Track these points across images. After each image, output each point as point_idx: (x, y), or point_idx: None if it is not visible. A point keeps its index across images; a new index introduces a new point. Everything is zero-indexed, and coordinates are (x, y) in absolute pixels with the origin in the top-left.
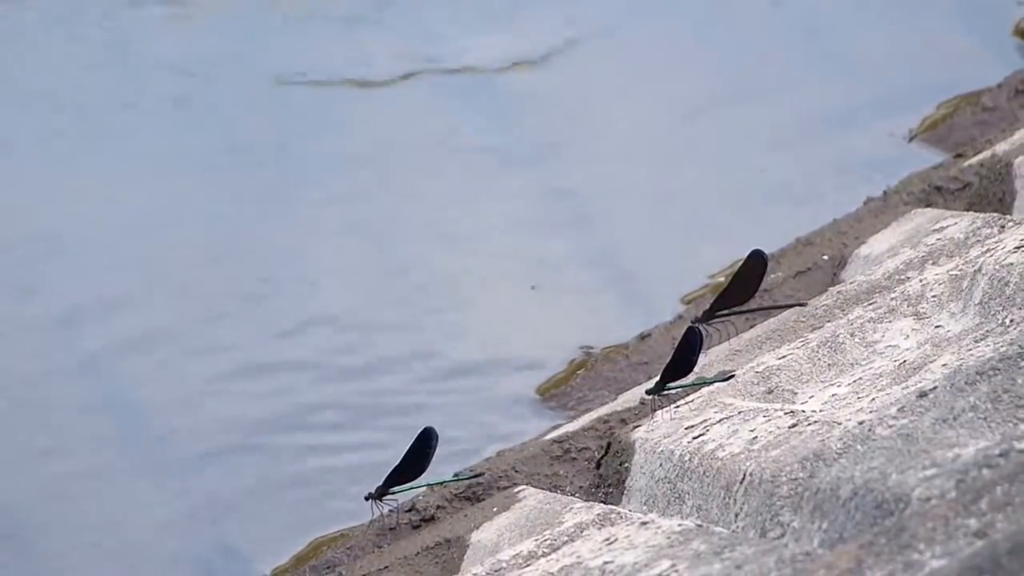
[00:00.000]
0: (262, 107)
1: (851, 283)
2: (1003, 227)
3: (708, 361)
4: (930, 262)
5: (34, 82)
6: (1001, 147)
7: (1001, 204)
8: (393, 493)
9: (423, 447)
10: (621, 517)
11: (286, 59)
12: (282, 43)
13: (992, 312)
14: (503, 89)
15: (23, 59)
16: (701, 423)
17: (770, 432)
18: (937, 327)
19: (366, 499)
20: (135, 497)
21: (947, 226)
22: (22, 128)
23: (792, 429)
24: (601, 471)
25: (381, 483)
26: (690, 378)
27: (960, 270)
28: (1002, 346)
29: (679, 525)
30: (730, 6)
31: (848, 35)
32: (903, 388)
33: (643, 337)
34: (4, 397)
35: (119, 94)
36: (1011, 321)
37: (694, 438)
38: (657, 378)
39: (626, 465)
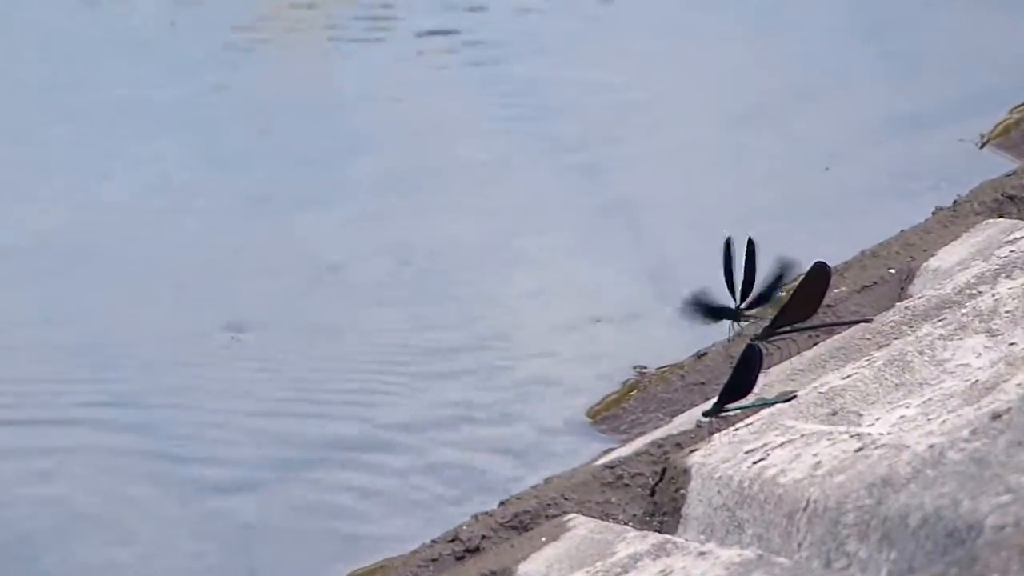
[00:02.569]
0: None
1: (919, 298)
2: None
3: (768, 381)
4: (1003, 275)
5: None
6: None
7: None
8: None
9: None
10: (677, 547)
11: None
12: None
13: None
14: (546, 97)
15: None
16: (761, 447)
17: (835, 456)
18: (1011, 344)
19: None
20: (162, 527)
21: (1021, 237)
22: None
23: (858, 453)
24: (656, 498)
25: (716, 401)
26: (749, 399)
27: None
28: None
29: (739, 555)
30: (788, 4)
31: (915, 34)
32: (975, 409)
33: (699, 356)
34: (20, 412)
35: None
36: None
37: (754, 463)
38: (714, 399)
39: (682, 492)
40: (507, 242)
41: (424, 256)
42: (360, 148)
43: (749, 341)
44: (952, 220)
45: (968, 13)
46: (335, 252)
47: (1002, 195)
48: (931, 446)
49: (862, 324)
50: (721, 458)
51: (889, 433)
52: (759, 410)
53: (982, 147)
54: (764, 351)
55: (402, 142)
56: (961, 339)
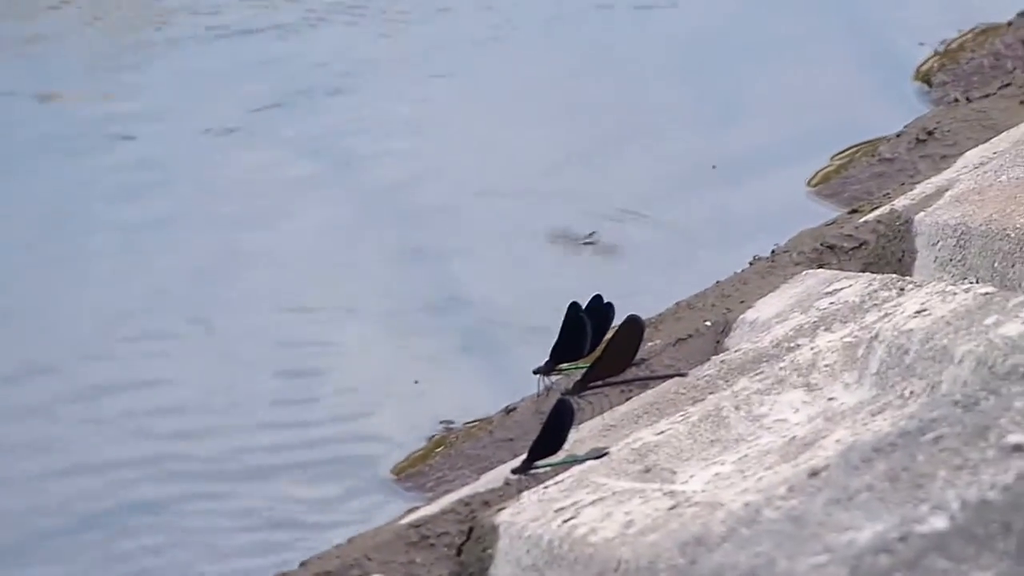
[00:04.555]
0: None
1: (736, 351)
2: (902, 290)
3: (579, 437)
4: (822, 328)
5: None
6: (900, 202)
7: (900, 264)
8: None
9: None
10: None
11: None
12: None
13: (890, 383)
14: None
15: None
16: (572, 505)
17: (647, 515)
18: (830, 399)
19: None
20: None
21: (841, 288)
22: None
23: (671, 511)
24: (462, 558)
25: (525, 458)
26: (560, 456)
27: (855, 337)
28: (901, 420)
29: None
30: (608, 45)
31: (733, 78)
32: (793, 466)
33: (508, 411)
34: None
35: None
36: (911, 393)
37: (564, 521)
38: (523, 456)
39: (489, 551)
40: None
41: None
42: None
43: (560, 396)
44: (770, 270)
45: (789, 59)
46: None
47: (822, 244)
48: (747, 504)
49: (676, 378)
50: (530, 517)
51: (704, 490)
52: (570, 467)
53: (802, 195)
54: (575, 406)
55: None
56: (779, 394)
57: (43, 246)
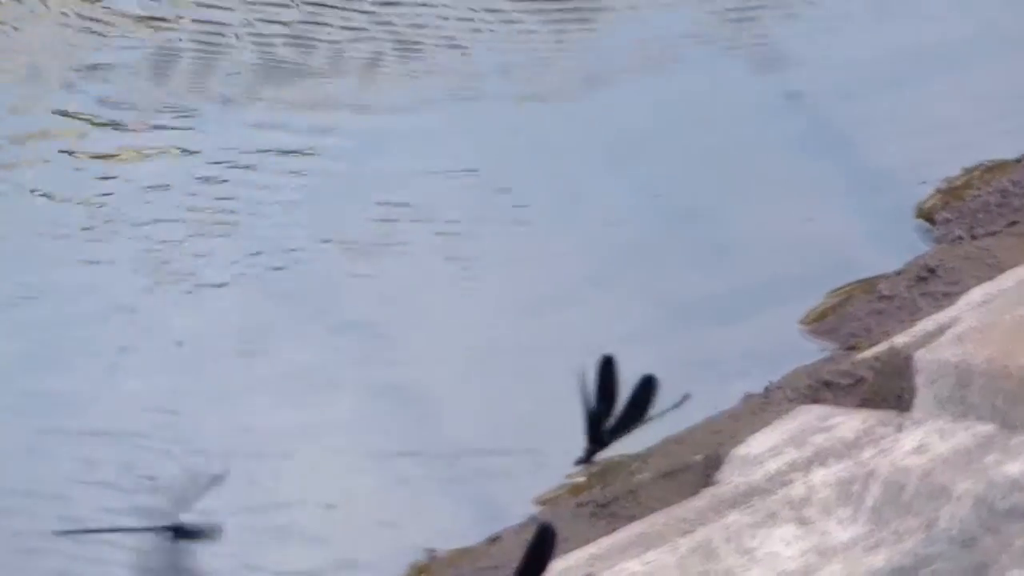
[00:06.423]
0: None
1: (727, 484)
2: (900, 427)
3: (566, 567)
4: (817, 463)
5: None
6: (900, 339)
7: (899, 401)
8: None
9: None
10: None
11: None
12: None
13: (885, 520)
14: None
15: None
16: None
17: None
18: (823, 534)
19: None
20: None
21: (837, 424)
22: None
23: None
24: None
25: None
26: None
27: (850, 473)
28: (896, 556)
29: None
30: (592, 189)
31: (726, 214)
32: None
33: (492, 540)
34: None
35: None
36: (907, 529)
37: None
38: None
39: None
40: None
41: None
42: None
43: (542, 523)
44: (763, 407)
45: (785, 195)
46: None
47: (817, 381)
48: None
49: (665, 511)
50: None
51: None
52: None
53: (798, 332)
54: (558, 533)
55: None
56: (770, 528)
57: None
